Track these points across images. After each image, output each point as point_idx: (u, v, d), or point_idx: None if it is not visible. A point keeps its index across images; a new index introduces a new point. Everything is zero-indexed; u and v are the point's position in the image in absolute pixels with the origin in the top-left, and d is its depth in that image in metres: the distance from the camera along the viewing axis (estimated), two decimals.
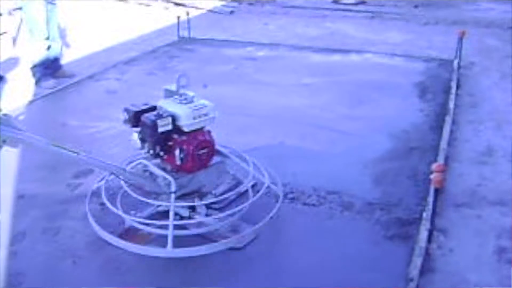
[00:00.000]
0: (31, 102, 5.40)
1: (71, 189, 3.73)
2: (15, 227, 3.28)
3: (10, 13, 8.51)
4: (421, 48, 7.29)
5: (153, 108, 3.07)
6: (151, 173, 3.09)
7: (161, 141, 2.95)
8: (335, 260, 2.97)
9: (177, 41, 7.64)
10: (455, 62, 6.22)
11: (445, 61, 6.52)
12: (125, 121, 3.10)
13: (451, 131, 4.53)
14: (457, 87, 5.59)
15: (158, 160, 3.10)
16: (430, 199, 3.27)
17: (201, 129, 3.06)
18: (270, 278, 2.81)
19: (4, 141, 2.55)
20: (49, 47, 5.84)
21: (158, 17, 9.35)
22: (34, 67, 5.89)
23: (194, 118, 2.97)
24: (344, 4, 10.39)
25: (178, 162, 2.98)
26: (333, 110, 5.12)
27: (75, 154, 2.82)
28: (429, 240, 3.04)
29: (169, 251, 2.82)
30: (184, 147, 2.96)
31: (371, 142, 4.42)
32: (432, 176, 3.00)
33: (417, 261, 2.87)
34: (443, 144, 4.23)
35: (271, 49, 7.31)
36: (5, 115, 2.60)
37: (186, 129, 2.97)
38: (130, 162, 3.32)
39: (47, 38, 5.79)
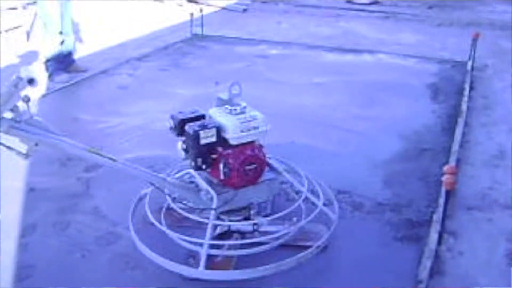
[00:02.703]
0: (44, 96, 5.43)
1: (82, 183, 3.74)
2: (25, 220, 3.30)
3: (24, 7, 8.56)
4: (434, 49, 7.24)
5: (201, 117, 2.93)
6: (197, 185, 2.94)
7: (203, 153, 2.79)
8: (344, 260, 2.96)
9: (190, 38, 7.66)
10: (469, 64, 6.18)
11: (459, 62, 6.49)
12: (171, 128, 2.96)
13: (463, 133, 4.50)
14: (470, 89, 5.56)
15: (206, 172, 2.94)
16: (441, 201, 3.26)
17: (251, 142, 2.86)
18: (281, 278, 2.80)
19: (36, 144, 2.54)
20: (62, 42, 5.87)
21: (172, 13, 9.37)
22: (47, 61, 5.92)
23: (242, 131, 2.78)
24: (358, 4, 10.34)
25: (221, 176, 2.81)
26: (345, 110, 5.10)
27: (112, 161, 2.72)
28: (439, 242, 3.03)
29: (199, 271, 2.65)
30: (230, 161, 2.77)
31: (383, 143, 4.40)
32: (443, 178, 2.98)
33: (427, 263, 2.86)
34: (455, 146, 4.20)
35: (283, 47, 7.30)
36: (37, 119, 2.55)
37: (232, 142, 2.79)
38: (180, 171, 3.19)
39: (61, 33, 5.81)
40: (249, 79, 5.91)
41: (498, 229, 3.26)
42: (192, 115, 2.93)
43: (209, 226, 2.73)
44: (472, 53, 6.15)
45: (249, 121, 2.82)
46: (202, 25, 7.67)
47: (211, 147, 2.79)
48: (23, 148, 2.52)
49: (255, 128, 2.82)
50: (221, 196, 2.81)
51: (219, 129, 2.78)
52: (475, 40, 6.07)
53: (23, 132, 2.48)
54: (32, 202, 3.49)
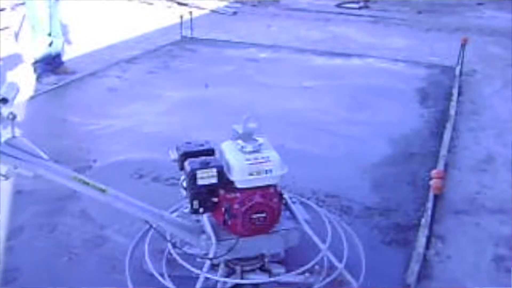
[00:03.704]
0: (32, 98, 5.39)
1: None
2: (12, 222, 3.27)
3: (13, 9, 8.51)
4: (423, 54, 7.28)
5: (209, 151, 2.54)
6: (202, 225, 2.57)
7: (201, 195, 2.42)
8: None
9: (179, 40, 7.64)
10: (457, 69, 6.21)
11: (447, 67, 6.52)
12: (174, 161, 2.58)
13: (452, 138, 4.53)
14: (459, 94, 5.60)
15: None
16: (429, 205, 3.27)
17: (263, 187, 2.45)
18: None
19: (16, 167, 2.25)
20: (51, 43, 5.84)
21: (161, 16, 9.35)
22: (35, 62, 5.89)
23: (250, 174, 2.39)
24: (348, 8, 10.39)
25: (223, 223, 2.45)
26: (334, 114, 5.11)
27: (102, 192, 2.38)
28: (427, 246, 3.03)
29: None
30: (234, 206, 2.41)
31: (371, 147, 4.41)
32: (431, 183, 2.99)
33: (415, 267, 2.86)
34: (443, 150, 4.23)
35: (273, 51, 7.30)
36: (20, 139, 2.26)
37: (238, 186, 2.41)
38: None
39: (49, 34, 5.79)
40: (239, 82, 5.93)
41: (486, 233, 3.27)
42: (199, 148, 2.54)
43: (201, 278, 2.42)
44: (461, 58, 6.18)
45: (261, 162, 2.41)
46: (191, 28, 7.67)
47: (211, 188, 2.42)
48: (2, 169, 2.26)
49: (267, 171, 2.41)
50: (223, 243, 2.47)
51: (223, 169, 2.42)
52: (463, 45, 6.10)
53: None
54: (19, 204, 3.46)
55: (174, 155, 2.58)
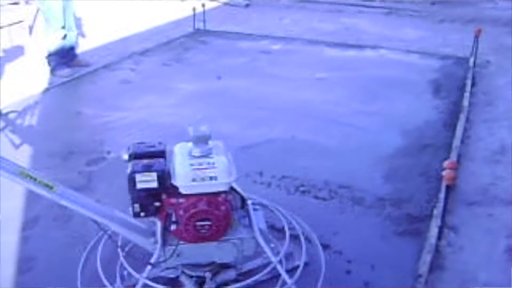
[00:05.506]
0: (46, 90, 5.44)
1: (83, 176, 3.76)
2: (27, 213, 3.32)
3: (27, 2, 8.56)
4: (436, 45, 7.24)
5: (159, 154, 2.44)
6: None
7: (141, 199, 2.36)
8: (344, 254, 2.97)
9: (192, 33, 7.66)
10: (471, 60, 6.17)
11: (461, 58, 6.48)
12: (125, 161, 2.45)
13: (465, 129, 4.51)
14: (472, 85, 5.56)
15: None
16: (442, 196, 3.27)
17: (210, 194, 2.35)
18: None
19: None
20: (65, 36, 5.87)
21: (174, 8, 9.36)
22: (49, 56, 5.93)
23: (193, 180, 2.31)
24: None
25: (168, 227, 2.39)
26: (347, 105, 5.11)
27: (49, 189, 2.31)
28: (439, 237, 3.04)
29: None
30: (178, 212, 2.35)
31: (384, 138, 4.41)
32: (444, 173, 2.99)
33: (427, 257, 2.87)
34: (456, 142, 4.21)
35: (286, 43, 7.30)
36: None
37: (182, 191, 2.34)
38: None
39: (63, 27, 5.82)
40: (252, 74, 5.94)
41: (499, 224, 3.26)
42: (148, 150, 2.46)
43: (140, 283, 2.37)
44: (474, 49, 6.14)
45: (205, 169, 2.32)
46: (204, 20, 7.68)
47: (152, 193, 2.36)
48: None
49: (211, 178, 2.32)
50: (168, 248, 2.41)
51: (165, 173, 2.35)
52: (477, 36, 6.06)
53: None
54: (34, 195, 3.48)
55: (125, 155, 2.45)
